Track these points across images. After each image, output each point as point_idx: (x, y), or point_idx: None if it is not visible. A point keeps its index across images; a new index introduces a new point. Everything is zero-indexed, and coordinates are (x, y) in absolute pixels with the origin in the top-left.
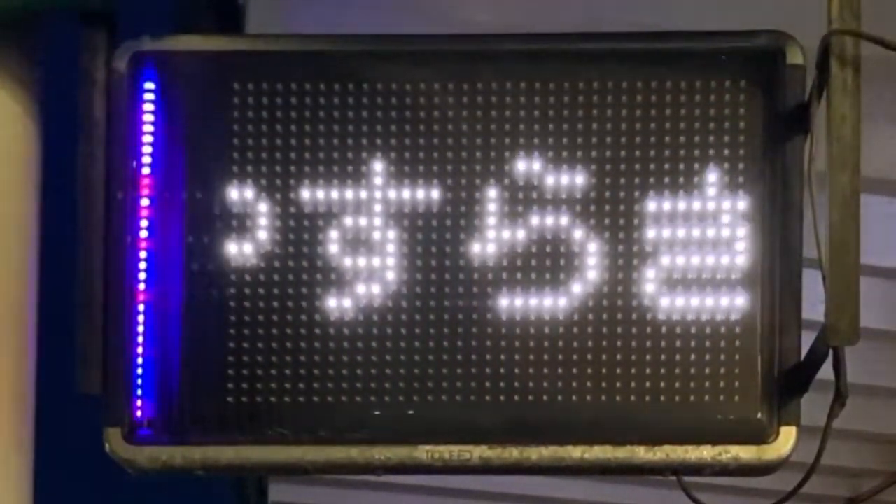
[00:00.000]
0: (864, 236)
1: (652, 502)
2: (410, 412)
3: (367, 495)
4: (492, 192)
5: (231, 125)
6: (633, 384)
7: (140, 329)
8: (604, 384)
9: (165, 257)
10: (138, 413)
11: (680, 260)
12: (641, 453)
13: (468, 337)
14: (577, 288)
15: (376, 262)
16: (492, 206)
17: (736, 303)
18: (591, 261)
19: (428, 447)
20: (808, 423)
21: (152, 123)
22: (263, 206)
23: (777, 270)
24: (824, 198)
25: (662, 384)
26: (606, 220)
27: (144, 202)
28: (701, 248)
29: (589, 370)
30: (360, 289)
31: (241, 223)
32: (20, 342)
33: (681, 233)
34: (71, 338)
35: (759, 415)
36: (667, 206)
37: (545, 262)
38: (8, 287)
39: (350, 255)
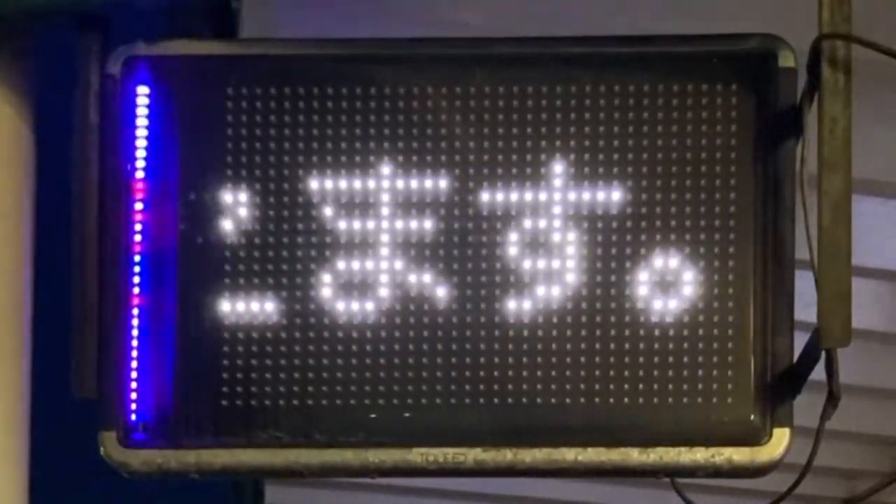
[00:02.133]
0: (856, 238)
1: (647, 503)
2: (405, 415)
3: (363, 497)
4: (484, 196)
5: (224, 129)
6: (626, 386)
7: (135, 333)
8: (597, 386)
9: (159, 261)
10: (133, 417)
11: (672, 261)
12: (635, 455)
13: (462, 340)
14: (570, 290)
15: (370, 264)
16: (485, 211)
17: (728, 305)
18: (584, 264)
19: (422, 450)
20: (802, 423)
21: (146, 128)
22: (257, 210)
23: (769, 272)
24: (816, 200)
25: (656, 386)
26: (599, 223)
27: (138, 206)
28: (693, 250)
29: (582, 373)
30: (354, 292)
31: (235, 227)
32: (16, 346)
33: (672, 236)
34: (66, 342)
35: (752, 417)
36: (659, 208)
37: (537, 265)
38: (3, 291)
39: (344, 259)
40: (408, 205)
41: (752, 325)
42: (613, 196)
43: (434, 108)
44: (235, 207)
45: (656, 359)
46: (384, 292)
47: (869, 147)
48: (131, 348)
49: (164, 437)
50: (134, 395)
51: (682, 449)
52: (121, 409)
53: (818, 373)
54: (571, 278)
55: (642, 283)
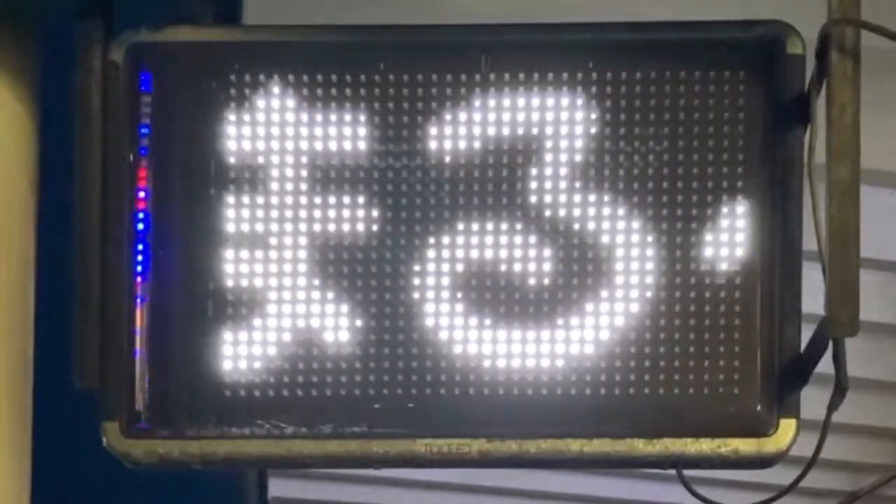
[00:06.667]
0: (864, 228)
1: (651, 497)
2: (409, 405)
3: (366, 491)
4: (489, 186)
5: (228, 116)
6: (632, 377)
7: (137, 322)
8: (603, 377)
9: (162, 249)
10: (136, 406)
11: (678, 251)
12: (640, 446)
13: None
14: (575, 281)
15: (374, 254)
16: (490, 200)
17: (735, 295)
18: (588, 253)
19: (426, 440)
20: (808, 417)
21: (149, 115)
22: (261, 198)
23: (777, 262)
24: (824, 189)
25: (661, 377)
26: (605, 211)
27: (141, 194)
28: (699, 240)
29: (587, 363)
30: (359, 281)
31: (238, 215)
32: (19, 337)
33: (678, 224)
34: (68, 332)
35: (758, 407)
36: (665, 197)
37: (543, 254)
38: (6, 282)
39: (347, 248)
40: (411, 193)
41: (759, 314)
42: (619, 184)
43: (439, 96)
44: (239, 195)
45: (662, 349)
46: (388, 281)
47: (877, 136)
48: (134, 338)
49: (167, 427)
50: (136, 385)
51: (688, 440)
52: (123, 399)
53: (824, 366)
54: (576, 268)
55: (648, 273)
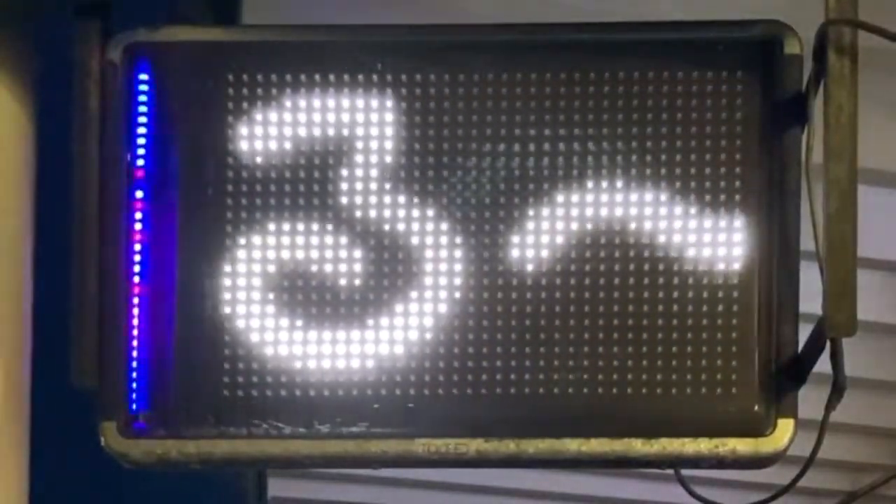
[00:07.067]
0: (863, 228)
1: (651, 497)
2: (408, 405)
3: (366, 491)
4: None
5: (226, 116)
6: (629, 377)
7: (135, 322)
8: (601, 377)
9: (160, 249)
10: (133, 406)
11: (675, 251)
12: (638, 446)
13: (464, 330)
14: (573, 280)
15: (372, 255)
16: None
17: (733, 294)
18: (588, 252)
19: (424, 440)
20: (806, 416)
21: (147, 115)
22: (259, 199)
23: (774, 262)
24: (822, 189)
25: (659, 377)
26: (603, 212)
27: (139, 194)
28: (697, 240)
29: (585, 363)
30: (356, 282)
31: (236, 215)
32: (17, 337)
33: (676, 224)
34: (67, 332)
35: (756, 407)
36: (663, 197)
37: (541, 255)
38: (4, 281)
39: (346, 247)
40: (410, 192)
41: (757, 314)
42: (616, 184)
43: (437, 95)
44: (237, 195)
45: (660, 349)
46: (386, 281)
47: (875, 136)
48: (132, 337)
49: (165, 426)
50: (134, 385)
51: (686, 440)
52: (121, 399)
53: (823, 366)
54: (575, 268)
55: (645, 273)
